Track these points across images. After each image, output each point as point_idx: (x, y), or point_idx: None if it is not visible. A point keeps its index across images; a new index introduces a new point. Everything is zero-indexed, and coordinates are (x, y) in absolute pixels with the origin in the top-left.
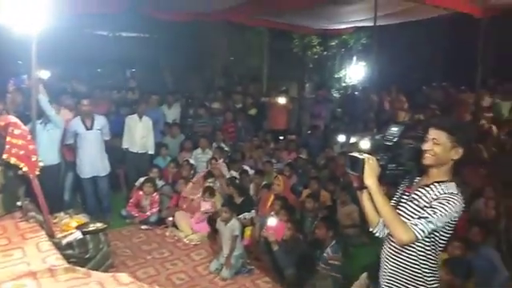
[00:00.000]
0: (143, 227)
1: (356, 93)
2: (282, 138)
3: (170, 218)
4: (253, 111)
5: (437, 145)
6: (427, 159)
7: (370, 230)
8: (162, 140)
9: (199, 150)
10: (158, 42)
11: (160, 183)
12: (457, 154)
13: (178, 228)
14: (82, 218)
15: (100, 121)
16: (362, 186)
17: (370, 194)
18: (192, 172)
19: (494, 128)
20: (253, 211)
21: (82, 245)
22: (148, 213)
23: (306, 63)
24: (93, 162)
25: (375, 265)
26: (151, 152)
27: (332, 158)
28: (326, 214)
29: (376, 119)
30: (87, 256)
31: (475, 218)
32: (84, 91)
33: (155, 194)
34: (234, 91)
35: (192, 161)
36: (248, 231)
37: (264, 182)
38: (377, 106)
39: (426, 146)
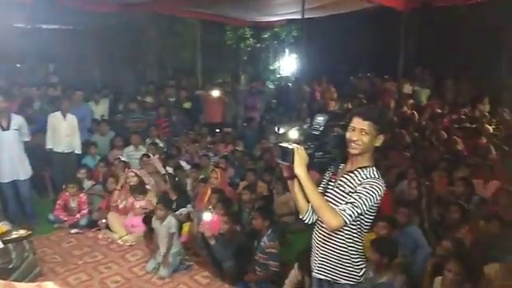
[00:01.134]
0: (73, 231)
1: (289, 84)
2: (218, 131)
3: (103, 220)
4: (187, 105)
5: (364, 135)
6: (356, 149)
7: (300, 217)
8: (89, 138)
9: (131, 147)
10: (84, 35)
11: (89, 183)
12: (379, 141)
13: (111, 230)
14: (3, 226)
15: (17, 120)
16: (293, 176)
17: (299, 182)
18: (123, 170)
19: (416, 114)
20: (190, 206)
21: (3, 255)
22: (78, 215)
23: (240, 55)
24: (12, 165)
25: (306, 252)
26: (78, 151)
27: (268, 148)
28: (262, 204)
29: (308, 109)
30: (10, 266)
31: (400, 198)
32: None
33: (82, 194)
34: (166, 85)
35: (123, 158)
36: (186, 227)
37: (201, 176)
38: (309, 96)
39: (353, 137)
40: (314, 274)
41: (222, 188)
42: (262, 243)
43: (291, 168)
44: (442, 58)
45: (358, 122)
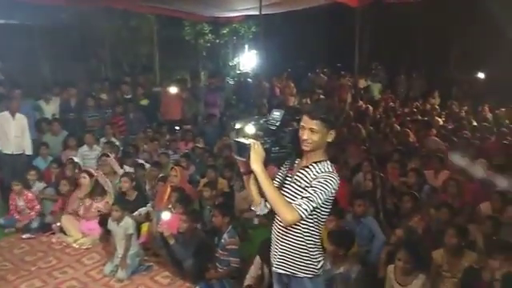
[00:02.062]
0: (25, 236)
1: (249, 80)
2: (177, 128)
3: (57, 224)
4: (144, 102)
5: (314, 133)
6: (307, 147)
7: (252, 208)
8: (39, 138)
9: (86, 147)
10: (33, 30)
11: (40, 185)
12: (331, 136)
13: (65, 233)
14: None
15: None
16: (249, 171)
17: (255, 177)
18: (76, 171)
19: (371, 108)
20: (149, 206)
21: None
22: (32, 213)
23: (199, 51)
24: None
25: (266, 245)
26: (29, 152)
27: (228, 145)
28: (222, 200)
29: (268, 105)
30: None
31: (356, 190)
32: None
33: (27, 192)
34: (122, 81)
35: (77, 159)
36: (145, 227)
37: (160, 175)
38: (268, 92)
39: (304, 135)
40: (273, 268)
41: (182, 186)
42: (222, 240)
43: (248, 163)
44: (394, 54)
45: (306, 121)
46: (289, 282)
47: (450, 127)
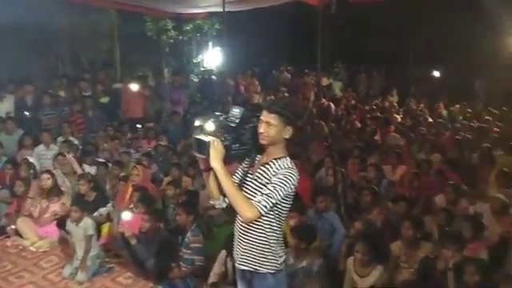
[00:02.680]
0: None
1: (213, 77)
2: (139, 126)
3: (13, 226)
4: (104, 99)
5: (271, 127)
6: (264, 140)
7: (211, 202)
8: None
9: (42, 147)
10: None
11: None
12: (288, 132)
13: (21, 236)
14: None
15: None
16: (208, 168)
17: (214, 174)
18: (32, 172)
19: (333, 105)
20: (109, 206)
21: None
22: None
23: (162, 48)
24: None
25: (231, 241)
26: None
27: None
28: (186, 199)
29: (233, 102)
30: None
31: (319, 186)
32: None
33: None
34: (81, 78)
35: (32, 159)
36: (105, 228)
37: (122, 174)
38: (233, 89)
39: (261, 129)
40: (236, 265)
41: (145, 185)
42: (186, 239)
43: (207, 161)
44: (356, 53)
45: (265, 115)
46: (251, 277)
47: (407, 124)
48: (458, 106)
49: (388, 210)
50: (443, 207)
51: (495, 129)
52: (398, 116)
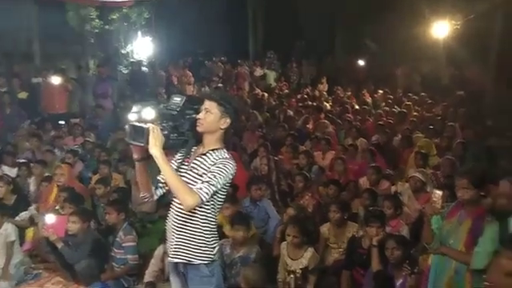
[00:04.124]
0: None
1: (144, 69)
2: (62, 122)
3: None
4: (23, 95)
5: (208, 114)
6: (200, 127)
7: (140, 195)
8: None
9: None
10: None
11: None
12: (225, 123)
13: None
14: None
15: None
16: (143, 157)
17: (144, 166)
18: None
19: (266, 95)
20: (32, 209)
21: None
22: None
23: (86, 38)
24: None
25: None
26: None
27: (123, 138)
28: (116, 197)
29: (166, 94)
30: None
31: (254, 175)
32: None
33: None
34: None
35: None
36: (30, 232)
37: (45, 174)
38: (165, 81)
39: (199, 116)
40: (169, 259)
41: (71, 185)
42: (117, 238)
43: (143, 149)
44: (287, 43)
45: (205, 103)
46: (185, 270)
47: (335, 111)
48: (380, 92)
49: (319, 194)
50: (367, 188)
51: (414, 113)
52: (327, 104)
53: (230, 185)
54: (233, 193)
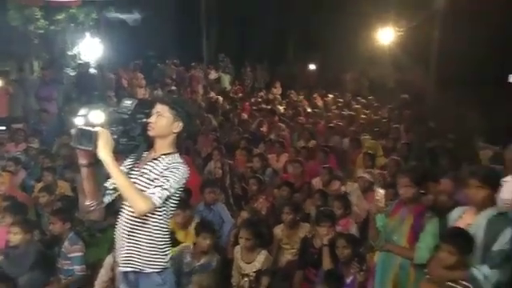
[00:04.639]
0: None
1: (92, 71)
2: (2, 128)
3: None
4: None
5: (160, 117)
6: (151, 131)
7: (87, 203)
8: None
9: None
10: None
11: None
12: (178, 127)
13: None
14: None
15: None
16: (91, 162)
17: (91, 172)
18: None
19: (221, 99)
20: None
21: None
22: None
23: (30, 39)
24: None
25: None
26: None
27: (68, 144)
28: (61, 205)
29: (116, 98)
30: None
31: (208, 179)
32: None
33: None
34: None
35: None
36: None
37: None
38: (115, 84)
39: (151, 119)
40: (119, 268)
41: (12, 194)
42: (63, 249)
43: (91, 154)
44: (241, 47)
45: (157, 106)
46: (136, 279)
47: (288, 114)
48: (331, 96)
49: (273, 196)
50: (318, 189)
51: (362, 116)
52: (281, 107)
53: (183, 190)
54: (186, 198)
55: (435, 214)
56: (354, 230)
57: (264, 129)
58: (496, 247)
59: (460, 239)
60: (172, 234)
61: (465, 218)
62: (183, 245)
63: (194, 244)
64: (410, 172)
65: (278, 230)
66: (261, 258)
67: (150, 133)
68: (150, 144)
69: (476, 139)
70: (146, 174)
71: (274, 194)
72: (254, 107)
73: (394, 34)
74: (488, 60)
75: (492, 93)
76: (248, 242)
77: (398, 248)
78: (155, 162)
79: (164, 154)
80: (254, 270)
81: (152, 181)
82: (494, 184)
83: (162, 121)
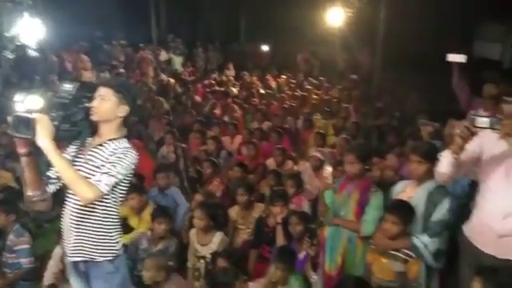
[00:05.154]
0: None
1: (33, 54)
2: None
3: None
4: None
5: (104, 101)
6: (94, 115)
7: (29, 193)
8: None
9: None
10: None
11: None
12: (123, 111)
13: None
14: None
15: None
16: (30, 151)
17: (31, 161)
18: None
19: (172, 81)
20: None
21: None
22: None
23: None
24: None
25: None
26: None
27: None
28: (3, 197)
29: (59, 82)
30: None
31: (161, 163)
32: None
33: None
34: None
35: None
36: None
37: None
38: (58, 67)
39: (94, 103)
40: (68, 258)
41: None
42: (8, 241)
43: (30, 142)
44: (192, 27)
45: (99, 90)
46: (87, 268)
47: (242, 96)
48: (284, 77)
49: (228, 178)
50: (272, 169)
51: (314, 96)
52: (234, 89)
53: (135, 175)
54: (139, 183)
55: (380, 188)
56: (306, 207)
57: (218, 111)
58: (435, 217)
59: (402, 210)
60: (125, 220)
61: (407, 191)
62: (139, 231)
63: (151, 230)
64: (355, 149)
65: (233, 212)
66: (216, 240)
67: (94, 117)
68: (94, 129)
69: (418, 117)
70: (91, 160)
71: (229, 175)
72: (208, 89)
73: (343, 14)
74: (431, 40)
75: (434, 72)
76: (202, 222)
77: (345, 222)
78: (101, 148)
79: (110, 140)
80: (210, 252)
81: (98, 168)
82: (432, 159)
83: (106, 105)
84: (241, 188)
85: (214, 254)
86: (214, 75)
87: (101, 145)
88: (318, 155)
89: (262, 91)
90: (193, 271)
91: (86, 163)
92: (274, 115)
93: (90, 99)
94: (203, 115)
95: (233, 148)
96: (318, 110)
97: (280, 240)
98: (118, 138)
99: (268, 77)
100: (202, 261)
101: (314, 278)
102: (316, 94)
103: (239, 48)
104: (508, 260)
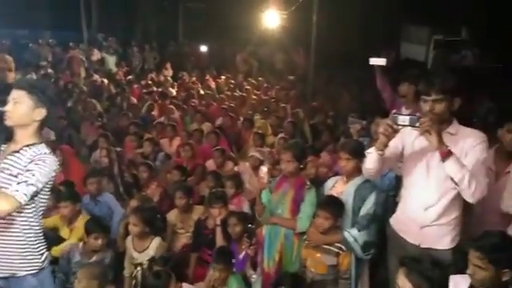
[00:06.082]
0: None
1: None
2: None
3: None
4: None
5: (18, 104)
6: (8, 120)
7: None
8: None
9: None
10: None
11: None
12: (40, 114)
13: None
14: None
15: None
16: None
17: None
18: None
19: (106, 82)
20: None
21: None
22: None
23: None
24: None
25: None
26: None
27: None
28: None
29: None
30: None
31: (92, 168)
32: None
33: None
34: None
35: None
36: None
37: None
38: None
39: (7, 107)
40: None
41: None
42: None
43: None
44: (127, 26)
45: (12, 93)
46: (7, 284)
47: (181, 97)
48: (223, 77)
49: (166, 181)
50: (211, 171)
51: (253, 96)
52: (172, 90)
53: (66, 182)
54: (70, 190)
55: (315, 185)
56: (246, 207)
57: (155, 112)
58: (363, 211)
59: (333, 205)
60: (55, 230)
61: (337, 187)
62: (71, 243)
63: (84, 242)
64: (291, 148)
65: (172, 216)
66: (154, 245)
67: (8, 122)
68: (9, 135)
69: (349, 115)
70: (6, 169)
71: (167, 179)
72: (144, 90)
73: (278, 16)
74: (360, 42)
75: (363, 72)
76: (137, 228)
77: (281, 220)
78: (17, 155)
79: (27, 146)
80: (148, 259)
81: (15, 176)
82: (359, 155)
83: (21, 108)
84: (179, 191)
85: (152, 260)
86: (151, 75)
87: (17, 151)
88: (257, 155)
89: (202, 92)
90: (130, 280)
91: (2, 172)
92: (213, 116)
93: (3, 103)
94: (140, 117)
95: (171, 150)
96: (257, 110)
97: (219, 241)
98: (35, 144)
99: (207, 77)
100: (138, 268)
101: (254, 277)
102: (255, 95)
103: (177, 48)
104: (430, 248)
